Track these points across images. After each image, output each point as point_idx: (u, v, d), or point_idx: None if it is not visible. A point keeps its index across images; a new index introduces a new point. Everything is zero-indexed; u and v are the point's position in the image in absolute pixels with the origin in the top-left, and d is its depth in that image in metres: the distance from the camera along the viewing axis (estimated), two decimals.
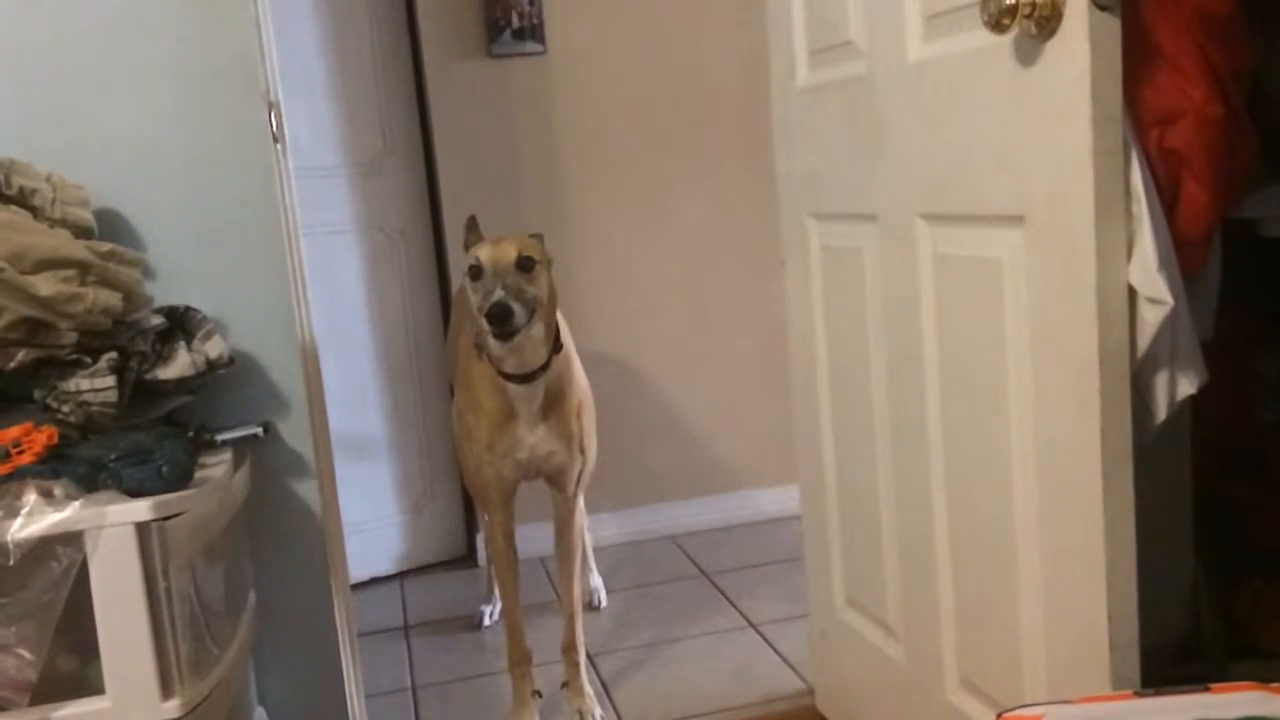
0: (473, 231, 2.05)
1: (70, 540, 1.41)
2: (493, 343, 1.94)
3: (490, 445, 2.10)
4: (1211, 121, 1.37)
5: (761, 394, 3.37)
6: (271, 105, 1.90)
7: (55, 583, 1.40)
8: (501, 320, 1.85)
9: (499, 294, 1.86)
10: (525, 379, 2.03)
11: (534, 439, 2.10)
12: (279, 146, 1.92)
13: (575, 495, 2.27)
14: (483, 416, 2.09)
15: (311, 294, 2.02)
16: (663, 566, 3.19)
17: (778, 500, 3.39)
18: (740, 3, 3.17)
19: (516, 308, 1.86)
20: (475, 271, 1.93)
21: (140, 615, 1.44)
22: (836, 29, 1.78)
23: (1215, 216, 1.42)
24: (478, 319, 1.93)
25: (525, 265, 1.94)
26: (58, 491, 1.44)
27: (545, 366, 2.04)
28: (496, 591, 2.73)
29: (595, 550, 3.00)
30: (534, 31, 3.16)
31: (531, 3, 3.15)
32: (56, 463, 1.48)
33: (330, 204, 3.09)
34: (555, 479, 2.22)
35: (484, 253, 1.93)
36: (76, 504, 1.41)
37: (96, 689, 1.46)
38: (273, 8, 1.93)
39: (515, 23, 3.15)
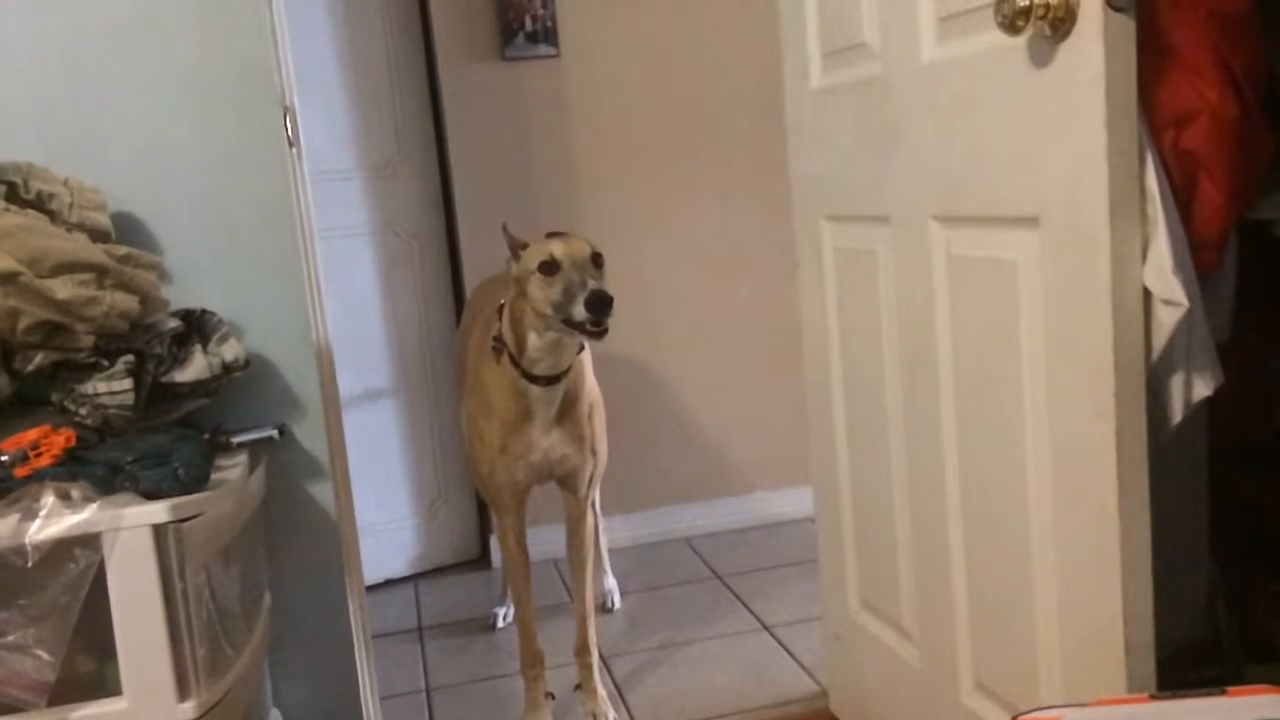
0: (512, 236, 2.04)
1: (88, 542, 1.42)
2: (541, 341, 1.96)
3: (503, 448, 2.10)
4: (1227, 122, 1.36)
5: (776, 396, 3.37)
6: (287, 110, 1.91)
7: (73, 584, 1.41)
8: (606, 309, 1.84)
9: (594, 284, 1.86)
10: (550, 381, 2.03)
11: (548, 442, 2.11)
12: (294, 150, 1.93)
13: (587, 497, 2.28)
14: (495, 419, 2.09)
15: (326, 297, 2.03)
16: (677, 569, 3.19)
17: (792, 502, 3.38)
18: (753, 4, 3.17)
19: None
20: (550, 267, 1.91)
21: (157, 617, 1.45)
22: (850, 31, 1.78)
23: (1231, 217, 1.41)
24: (547, 313, 1.91)
25: (598, 261, 1.95)
26: (75, 494, 1.44)
27: (568, 368, 2.05)
28: (510, 593, 2.73)
29: (610, 552, 3.01)
30: (547, 34, 3.17)
31: (545, 5, 3.15)
32: (74, 465, 1.49)
33: (345, 207, 3.10)
34: (568, 481, 2.22)
35: (558, 248, 1.93)
36: (94, 506, 1.42)
37: (113, 690, 1.47)
38: (288, 13, 1.94)
39: (528, 26, 3.15)
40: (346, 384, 2.24)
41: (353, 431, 2.22)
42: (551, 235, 2.05)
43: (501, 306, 2.08)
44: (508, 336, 2.04)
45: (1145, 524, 1.33)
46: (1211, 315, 1.42)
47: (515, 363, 2.03)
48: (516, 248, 2.02)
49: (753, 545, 3.31)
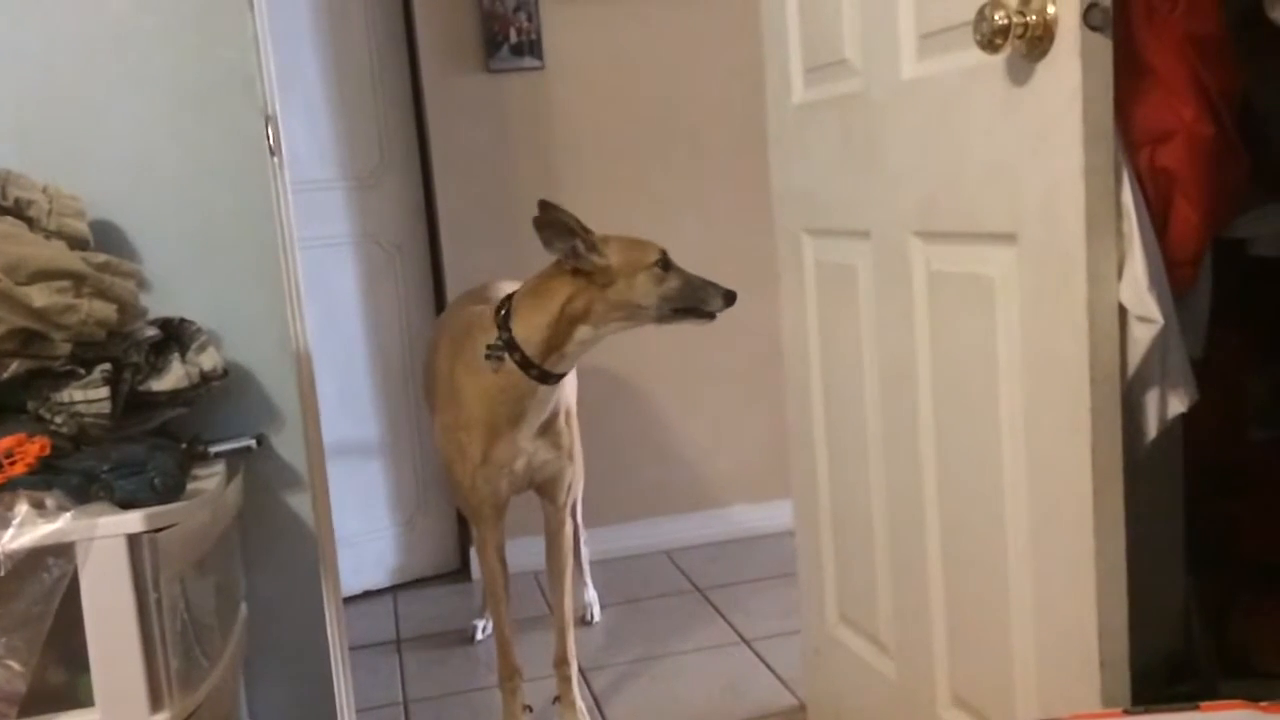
0: (583, 227, 2.01)
1: (61, 551, 1.41)
2: (595, 334, 2.04)
3: (485, 458, 2.09)
4: (1202, 141, 1.38)
5: (756, 409, 3.37)
6: (269, 119, 1.90)
7: (46, 594, 1.40)
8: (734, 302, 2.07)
9: (717, 282, 2.07)
10: (559, 378, 2.07)
11: (532, 448, 2.12)
12: (276, 160, 1.92)
13: (565, 505, 2.28)
14: (475, 431, 2.08)
15: (307, 306, 2.02)
16: (656, 581, 3.18)
17: (771, 515, 3.38)
18: (737, 20, 3.18)
19: None
20: (667, 264, 2.05)
21: (130, 627, 1.44)
22: (832, 47, 1.79)
23: (1206, 236, 1.43)
24: (648, 305, 2.03)
25: None
26: (49, 502, 1.43)
27: None
28: (489, 606, 2.72)
29: (590, 564, 3.00)
30: (532, 47, 3.18)
31: (530, 18, 3.16)
32: (49, 474, 1.48)
33: (327, 217, 3.09)
34: (548, 488, 2.23)
35: (664, 247, 2.06)
36: (68, 515, 1.41)
37: (86, 701, 1.45)
38: (271, 22, 1.94)
39: (513, 38, 3.16)
40: (326, 394, 2.23)
41: (332, 442, 2.21)
42: (543, 220, 2.01)
43: (507, 311, 2.04)
44: (532, 335, 2.00)
45: (1120, 539, 1.33)
46: (1186, 332, 1.43)
47: (529, 364, 2.01)
48: (595, 242, 2.01)
49: (733, 558, 3.31)
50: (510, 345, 2.01)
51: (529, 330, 2.01)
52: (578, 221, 2.00)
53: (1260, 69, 1.47)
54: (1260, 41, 1.46)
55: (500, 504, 2.17)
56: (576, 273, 2.01)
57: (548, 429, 2.13)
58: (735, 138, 3.27)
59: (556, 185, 3.23)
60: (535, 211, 2.01)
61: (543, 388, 2.05)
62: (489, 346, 2.03)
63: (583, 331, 2.03)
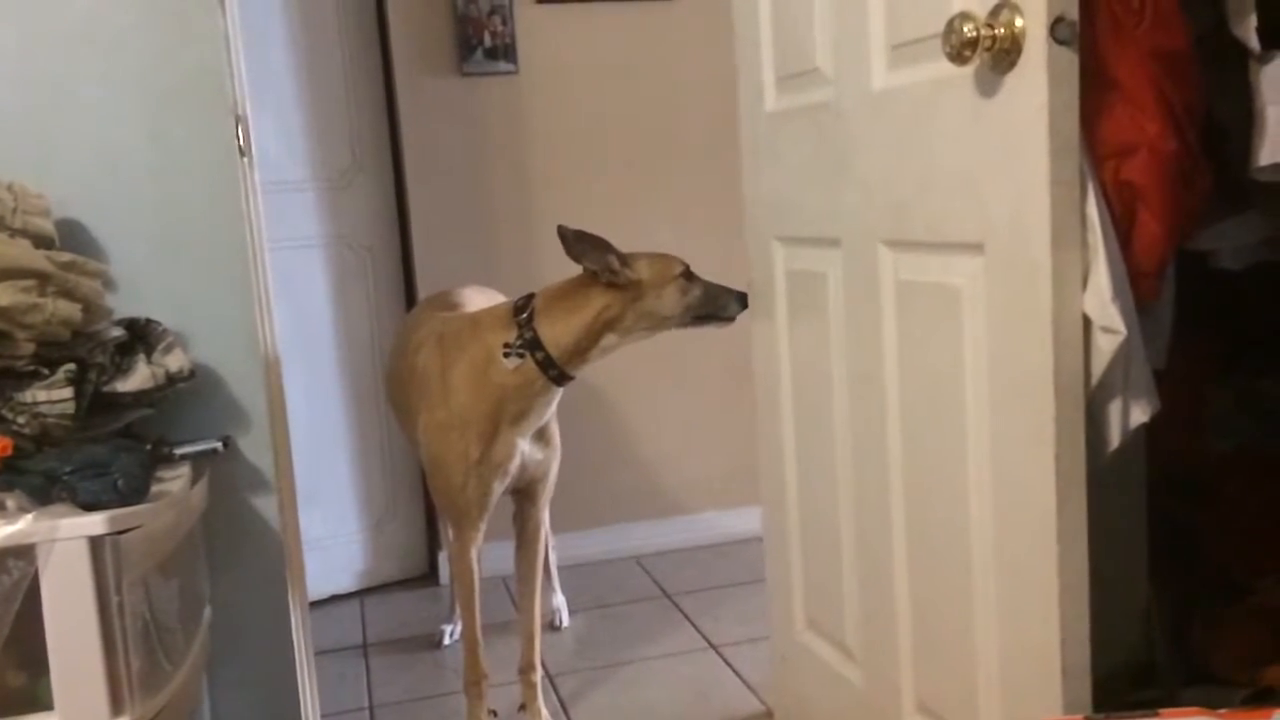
0: (617, 250, 2.07)
1: (22, 553, 1.39)
2: (619, 341, 2.10)
3: (484, 457, 2.10)
4: (1166, 155, 1.39)
5: (725, 415, 3.38)
6: (239, 118, 1.89)
7: (5, 596, 1.38)
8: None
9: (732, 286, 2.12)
10: (572, 379, 2.12)
11: (528, 447, 2.16)
12: (245, 160, 1.91)
13: (544, 505, 2.32)
14: (473, 429, 2.08)
15: (276, 308, 2.01)
16: (625, 587, 3.18)
17: (741, 522, 3.39)
18: (711, 27, 3.19)
19: None
20: (691, 275, 2.12)
21: (92, 630, 1.42)
22: (804, 56, 1.81)
23: (1169, 248, 1.44)
24: (676, 314, 2.09)
25: None
26: (10, 503, 1.42)
27: None
28: (460, 610, 2.71)
29: (559, 569, 2.99)
30: (506, 51, 3.17)
31: (504, 22, 3.16)
32: (10, 474, 1.46)
33: (298, 218, 3.08)
34: (534, 487, 2.26)
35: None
36: (29, 516, 1.40)
37: (45, 705, 1.43)
38: (243, 21, 1.93)
39: (487, 42, 3.16)
40: (295, 396, 2.22)
41: (300, 444, 2.19)
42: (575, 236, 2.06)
43: (530, 312, 2.08)
44: (562, 338, 2.05)
45: (1083, 547, 1.35)
46: (1149, 343, 1.44)
47: (550, 364, 2.06)
48: (624, 259, 2.08)
49: (702, 564, 3.31)
50: (533, 345, 2.05)
51: (559, 333, 2.06)
52: (607, 244, 2.07)
53: (1223, 83, 1.49)
54: (1223, 55, 1.48)
55: (489, 505, 2.17)
56: (610, 285, 2.07)
57: (541, 429, 2.17)
58: (708, 144, 3.28)
59: (529, 190, 3.23)
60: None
61: (554, 388, 2.11)
62: (508, 345, 2.06)
63: (609, 339, 2.10)
